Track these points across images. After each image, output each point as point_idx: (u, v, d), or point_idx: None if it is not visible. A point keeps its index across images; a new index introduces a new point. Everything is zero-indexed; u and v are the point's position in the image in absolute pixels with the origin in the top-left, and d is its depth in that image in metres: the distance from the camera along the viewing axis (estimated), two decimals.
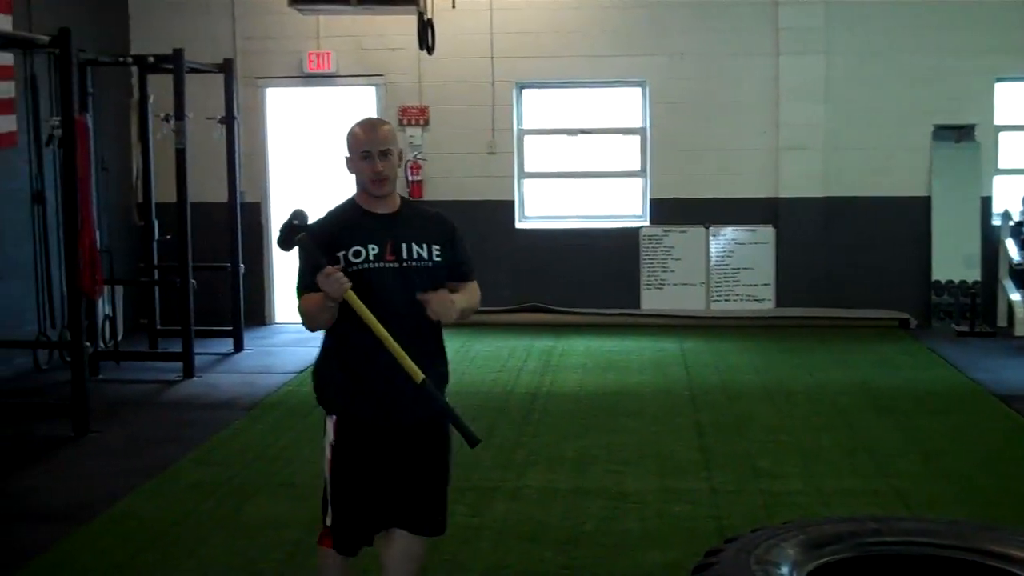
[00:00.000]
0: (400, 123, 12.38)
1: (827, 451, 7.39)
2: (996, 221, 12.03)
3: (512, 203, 12.51)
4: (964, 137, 12.10)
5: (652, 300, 12.41)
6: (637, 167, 12.53)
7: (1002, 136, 12.30)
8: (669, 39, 12.28)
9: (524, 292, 12.37)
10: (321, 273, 4.01)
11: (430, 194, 12.30)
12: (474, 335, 11.36)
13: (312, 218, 4.23)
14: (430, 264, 4.25)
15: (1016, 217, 11.83)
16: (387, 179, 4.23)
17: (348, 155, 4.27)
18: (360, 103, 12.59)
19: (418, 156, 12.36)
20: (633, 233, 12.35)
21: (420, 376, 4.08)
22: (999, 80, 12.15)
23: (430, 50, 10.83)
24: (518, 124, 12.61)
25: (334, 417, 4.28)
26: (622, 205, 12.71)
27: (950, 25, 12.01)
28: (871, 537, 4.29)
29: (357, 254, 4.18)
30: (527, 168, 12.71)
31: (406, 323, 4.14)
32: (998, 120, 12.22)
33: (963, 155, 12.08)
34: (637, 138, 12.54)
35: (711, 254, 12.36)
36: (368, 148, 4.20)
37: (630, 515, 6.16)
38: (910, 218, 12.19)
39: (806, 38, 12.07)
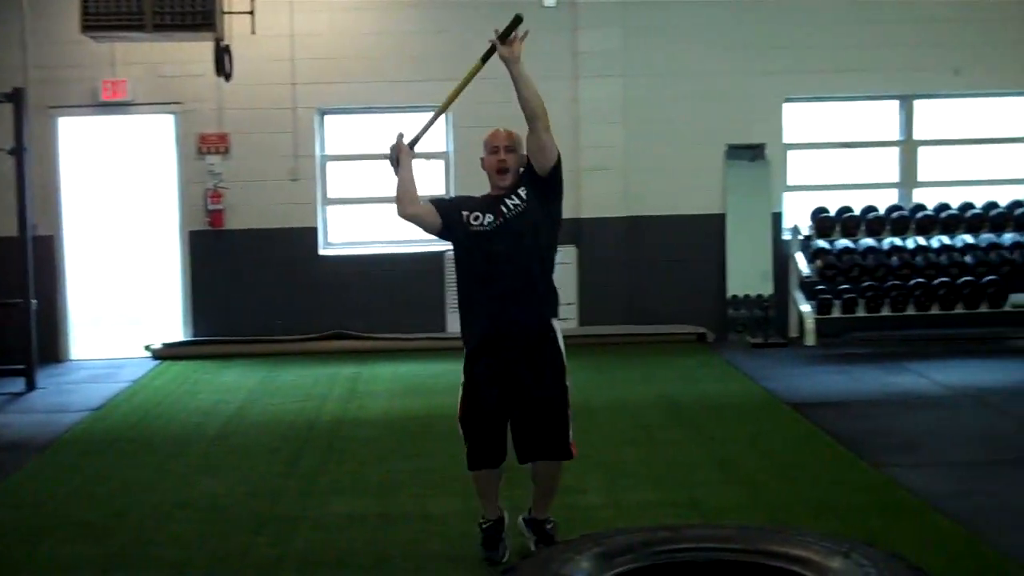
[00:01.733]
0: (199, 151, 12.18)
1: (629, 465, 7.54)
2: (787, 236, 12.49)
3: (315, 230, 12.43)
4: (756, 156, 12.53)
5: (458, 323, 12.37)
6: (442, 191, 12.56)
7: (791, 154, 12.77)
8: (470, 64, 12.30)
9: (329, 319, 12.26)
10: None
11: (232, 223, 12.14)
12: (278, 365, 11.23)
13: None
14: (523, 206, 5.39)
15: (805, 232, 12.29)
16: (508, 170, 5.43)
17: (482, 155, 5.49)
18: (157, 131, 12.35)
19: (219, 184, 12.16)
20: (438, 257, 12.31)
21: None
22: (787, 100, 12.64)
23: (228, 77, 10.73)
24: (320, 150, 12.54)
25: (464, 351, 5.57)
26: None
27: (740, 48, 12.43)
28: (663, 545, 4.40)
29: (476, 218, 5.46)
30: (330, 195, 12.65)
31: (515, 267, 5.41)
32: (787, 139, 12.70)
33: (754, 173, 12.50)
34: (441, 162, 12.60)
35: None
36: (496, 144, 5.44)
37: (435, 538, 6.16)
38: (707, 235, 12.53)
39: (604, 61, 12.32)
